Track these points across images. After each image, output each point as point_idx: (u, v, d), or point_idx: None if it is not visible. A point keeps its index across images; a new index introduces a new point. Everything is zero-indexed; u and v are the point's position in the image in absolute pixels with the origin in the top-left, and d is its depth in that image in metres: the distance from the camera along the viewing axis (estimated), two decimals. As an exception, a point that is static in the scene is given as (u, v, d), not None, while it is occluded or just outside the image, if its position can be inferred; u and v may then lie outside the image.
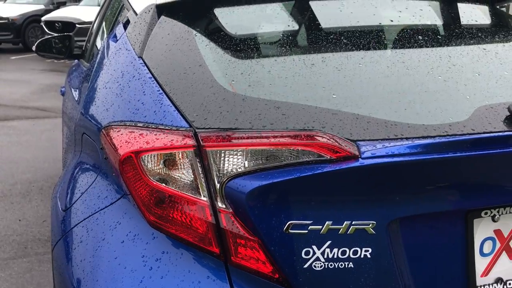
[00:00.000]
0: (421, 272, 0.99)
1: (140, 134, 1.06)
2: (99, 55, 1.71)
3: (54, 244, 1.30)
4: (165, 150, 0.99)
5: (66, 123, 2.18)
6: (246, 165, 0.95)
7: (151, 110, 1.14)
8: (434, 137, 0.96)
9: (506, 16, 1.63)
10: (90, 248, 1.12)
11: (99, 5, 11.04)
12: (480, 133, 0.99)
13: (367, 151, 0.91)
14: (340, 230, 0.92)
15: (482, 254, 1.04)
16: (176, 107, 1.10)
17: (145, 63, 1.30)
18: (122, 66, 1.39)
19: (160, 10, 1.45)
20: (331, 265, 0.93)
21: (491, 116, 1.04)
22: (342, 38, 1.29)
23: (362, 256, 0.94)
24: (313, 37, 1.32)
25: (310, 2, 1.41)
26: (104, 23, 2.37)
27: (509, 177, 1.01)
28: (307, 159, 0.92)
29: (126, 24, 1.63)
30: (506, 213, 1.05)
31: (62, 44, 2.90)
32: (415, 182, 0.96)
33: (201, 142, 0.96)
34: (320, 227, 0.92)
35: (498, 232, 1.05)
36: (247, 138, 0.95)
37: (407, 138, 0.96)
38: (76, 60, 3.13)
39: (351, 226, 0.93)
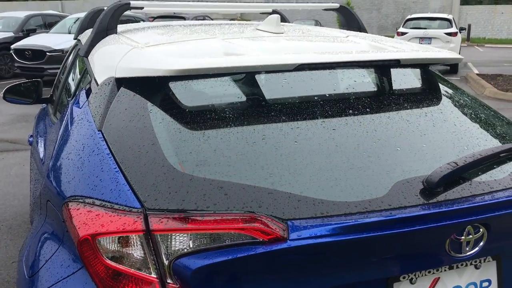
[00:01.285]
0: None
1: (96, 215, 1.17)
2: (64, 120, 1.81)
3: None
4: (118, 234, 1.11)
5: (34, 176, 2.26)
6: (191, 246, 1.07)
7: (108, 187, 1.25)
8: (354, 214, 1.11)
9: (437, 79, 1.80)
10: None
11: (69, 33, 11.06)
12: (396, 208, 1.14)
13: (294, 232, 1.05)
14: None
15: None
16: (130, 186, 1.21)
17: (104, 137, 1.41)
18: (83, 138, 1.50)
19: (119, 83, 1.57)
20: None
21: (407, 191, 1.19)
22: (281, 114, 1.44)
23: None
24: (255, 113, 1.46)
25: (257, 77, 1.55)
26: (70, 76, 2.47)
27: (422, 247, 1.16)
28: (243, 241, 1.05)
29: (88, 92, 1.74)
30: (422, 275, 1.20)
31: (30, 89, 2.99)
32: (339, 258, 1.10)
33: (150, 227, 1.09)
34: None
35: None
36: (192, 222, 1.08)
37: (331, 216, 1.10)
38: (44, 104, 3.22)
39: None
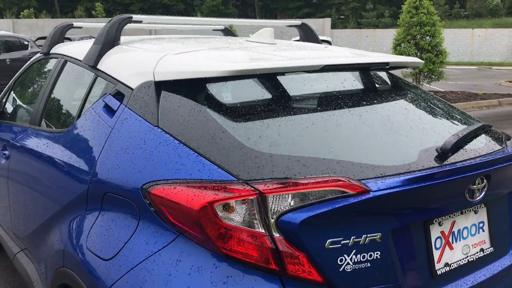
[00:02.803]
0: (406, 263, 1.47)
1: (200, 188, 1.39)
2: (91, 123, 1.95)
3: None
4: (234, 199, 1.34)
5: (37, 188, 2.29)
6: (292, 204, 1.34)
7: (195, 169, 1.47)
8: (403, 173, 1.47)
9: (398, 79, 2.25)
10: (159, 283, 1.40)
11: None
12: (427, 168, 1.52)
13: (372, 187, 1.37)
14: (361, 242, 1.37)
15: (435, 248, 1.56)
16: (217, 165, 1.45)
17: (165, 131, 1.62)
18: (140, 134, 1.68)
19: (159, 85, 1.77)
20: (356, 266, 1.37)
21: (429, 156, 1.58)
22: (320, 106, 1.76)
23: (374, 257, 1.39)
24: (297, 105, 1.77)
25: (286, 78, 1.86)
26: (58, 86, 2.53)
27: (444, 198, 1.56)
28: (336, 195, 1.35)
29: (117, 96, 1.90)
30: (446, 219, 1.59)
31: None
32: (399, 204, 1.45)
33: (260, 190, 1.34)
34: (348, 241, 1.36)
35: (442, 232, 1.59)
36: (291, 185, 1.35)
37: (388, 176, 1.44)
38: None
39: (367, 238, 1.38)
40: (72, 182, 1.92)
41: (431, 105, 2.05)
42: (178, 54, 1.93)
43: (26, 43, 14.27)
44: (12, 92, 3.32)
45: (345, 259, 1.36)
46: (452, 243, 1.61)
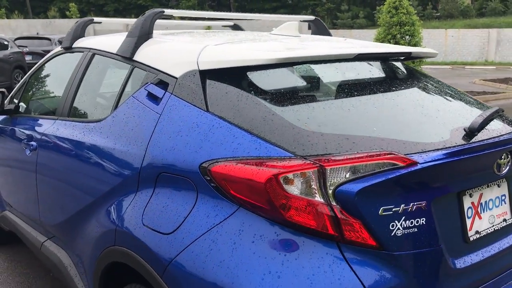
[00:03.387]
0: (444, 229, 1.63)
1: (262, 164, 1.53)
2: (135, 111, 2.05)
3: (168, 262, 1.64)
4: (297, 171, 1.48)
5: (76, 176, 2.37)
6: (348, 176, 1.49)
7: (251, 147, 1.61)
8: (441, 149, 1.63)
9: (414, 69, 2.43)
10: (225, 252, 1.53)
11: None
12: (461, 145, 1.68)
13: (419, 160, 1.53)
14: (409, 209, 1.53)
15: (467, 217, 1.73)
16: (272, 143, 1.59)
17: (217, 115, 1.75)
18: (191, 119, 1.81)
19: (203, 74, 1.90)
20: (405, 231, 1.52)
21: (460, 134, 1.75)
22: (357, 91, 1.92)
23: (420, 223, 1.54)
24: (335, 90, 1.92)
25: (320, 67, 2.01)
26: (88, 78, 2.62)
27: (475, 171, 1.73)
28: (387, 167, 1.50)
29: (161, 85, 2.02)
30: (475, 191, 1.76)
31: None
32: (440, 176, 1.61)
33: (321, 163, 1.48)
34: (399, 208, 1.51)
35: (472, 203, 1.76)
36: (347, 158, 1.50)
37: (428, 151, 1.60)
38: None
39: (414, 206, 1.53)
40: (119, 166, 2.03)
41: (448, 91, 2.23)
42: (219, 45, 2.06)
43: (6, 43, 14.10)
44: (26, 87, 3.39)
45: (396, 225, 1.51)
46: (481, 213, 1.78)
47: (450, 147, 1.65)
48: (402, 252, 1.52)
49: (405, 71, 2.31)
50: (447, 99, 2.13)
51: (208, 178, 1.64)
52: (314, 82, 1.95)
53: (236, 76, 1.88)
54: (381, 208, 1.49)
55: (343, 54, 1.95)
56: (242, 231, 1.55)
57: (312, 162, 1.49)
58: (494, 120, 1.96)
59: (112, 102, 2.33)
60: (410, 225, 1.53)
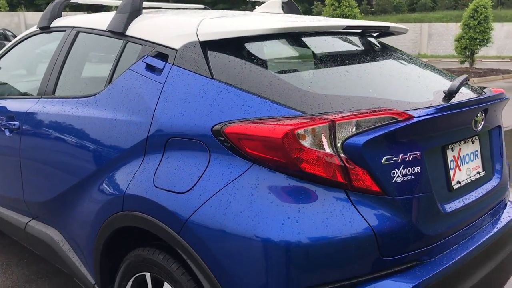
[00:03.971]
0: (434, 177, 1.83)
1: (277, 122, 1.66)
2: (135, 82, 2.12)
3: (186, 219, 1.74)
4: (310, 127, 1.63)
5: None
6: (355, 130, 1.66)
7: (262, 109, 1.74)
8: (429, 107, 1.83)
9: (387, 44, 2.65)
10: (244, 203, 1.66)
11: None
12: (442, 105, 1.89)
13: (414, 114, 1.72)
14: (406, 158, 1.71)
15: (450, 168, 1.95)
16: (281, 104, 1.73)
17: (223, 82, 1.87)
18: (197, 86, 1.92)
19: (204, 45, 2.02)
20: (404, 178, 1.71)
21: (441, 96, 1.96)
22: (348, 60, 2.09)
23: (415, 171, 1.74)
24: (329, 59, 2.09)
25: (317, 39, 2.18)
26: (72, 60, 2.65)
27: (457, 125, 1.95)
28: (388, 121, 1.68)
29: (160, 57, 2.11)
30: (456, 145, 1.98)
31: None
32: (430, 130, 1.81)
33: (332, 119, 1.63)
34: (398, 158, 1.69)
35: (454, 156, 1.98)
36: (353, 114, 1.66)
37: (418, 108, 1.80)
38: None
39: (411, 155, 1.72)
40: (122, 136, 2.09)
41: (420, 62, 2.45)
42: (214, 19, 2.17)
43: None
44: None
45: (396, 173, 1.70)
46: (460, 165, 2.00)
47: (436, 105, 1.86)
48: (401, 197, 1.70)
49: (380, 45, 2.52)
50: (422, 68, 2.35)
51: (222, 139, 1.75)
52: (309, 51, 2.11)
53: (237, 46, 2.01)
54: (384, 158, 1.67)
55: (336, 25, 2.13)
56: (258, 184, 1.68)
57: (323, 118, 1.64)
58: (465, 86, 2.20)
59: (104, 77, 2.38)
60: (407, 173, 1.72)
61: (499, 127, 2.31)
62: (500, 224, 2.17)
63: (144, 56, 2.18)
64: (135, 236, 2.17)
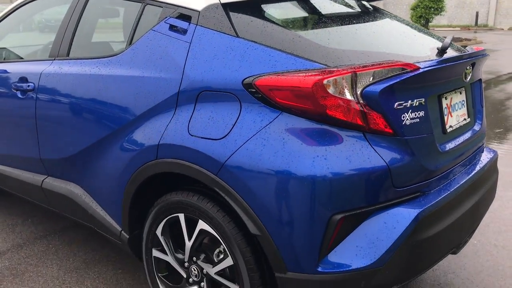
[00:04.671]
0: (433, 121, 2.13)
1: (306, 73, 1.90)
2: (160, 41, 2.30)
3: (224, 161, 1.97)
4: (335, 77, 1.88)
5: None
6: (372, 79, 1.92)
7: (288, 63, 1.97)
8: (432, 60, 2.11)
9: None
10: (277, 145, 1.90)
11: None
12: (442, 58, 2.18)
13: (420, 66, 2.00)
14: (413, 104, 2.00)
15: (444, 114, 2.25)
16: (305, 59, 1.97)
17: (249, 40, 2.09)
18: (224, 44, 2.13)
19: (225, 6, 2.22)
20: (412, 121, 1.99)
21: (435, 51, 2.25)
22: (354, 20, 2.34)
23: (420, 115, 2.03)
24: (337, 19, 2.33)
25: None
26: (86, 23, 2.78)
27: (451, 76, 2.25)
28: (399, 72, 1.95)
29: (182, 19, 2.29)
30: (448, 95, 2.29)
31: None
32: (430, 80, 2.10)
33: (354, 70, 1.89)
34: (407, 103, 1.97)
35: (447, 104, 2.28)
36: (371, 66, 1.92)
37: (420, 61, 2.08)
38: None
39: (417, 101, 2.01)
40: (151, 91, 2.28)
41: (410, 23, 2.74)
42: None
43: None
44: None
45: (405, 116, 1.98)
46: (451, 112, 2.31)
47: (437, 59, 2.15)
48: (409, 137, 1.99)
49: (373, 7, 2.78)
50: (414, 28, 2.64)
51: (253, 90, 1.98)
52: (321, 11, 2.35)
53: (256, 7, 2.23)
54: (396, 103, 1.95)
55: None
56: (288, 129, 1.93)
57: (346, 70, 1.90)
58: (452, 44, 2.51)
59: (123, 38, 2.54)
60: (414, 117, 2.01)
61: (480, 80, 2.64)
62: (480, 165, 2.51)
63: (166, 17, 2.36)
64: (162, 183, 2.39)
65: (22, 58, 3.50)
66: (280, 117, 1.95)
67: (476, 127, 2.57)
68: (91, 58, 2.64)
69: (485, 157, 2.63)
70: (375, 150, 1.92)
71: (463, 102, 2.44)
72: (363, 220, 1.93)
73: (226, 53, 2.11)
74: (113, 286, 2.86)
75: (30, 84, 2.88)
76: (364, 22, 2.38)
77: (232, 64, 2.07)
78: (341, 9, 2.48)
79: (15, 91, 2.99)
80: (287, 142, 1.90)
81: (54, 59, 2.85)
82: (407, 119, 1.99)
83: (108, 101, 2.48)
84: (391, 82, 1.92)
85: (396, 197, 1.98)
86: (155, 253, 2.44)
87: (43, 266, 3.09)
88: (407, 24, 2.66)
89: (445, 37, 2.40)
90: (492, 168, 2.61)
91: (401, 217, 1.94)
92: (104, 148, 2.53)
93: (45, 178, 3.00)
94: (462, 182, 2.27)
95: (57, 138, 2.81)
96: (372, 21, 2.43)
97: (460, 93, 2.42)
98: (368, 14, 2.56)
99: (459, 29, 25.53)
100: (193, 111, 2.15)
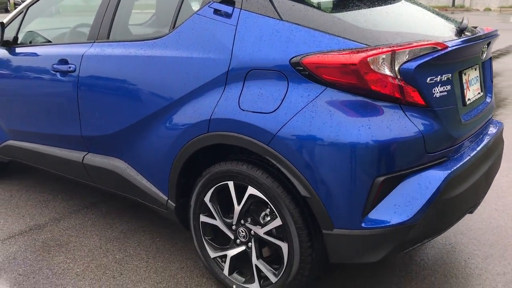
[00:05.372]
0: (456, 94, 2.40)
1: (351, 51, 2.14)
2: (205, 25, 2.51)
3: (275, 132, 2.20)
4: (377, 55, 2.12)
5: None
6: (408, 57, 2.17)
7: (332, 43, 2.21)
8: (456, 39, 2.37)
9: None
10: (325, 117, 2.14)
11: None
12: (466, 37, 2.45)
13: (448, 45, 2.26)
14: (442, 79, 2.26)
15: (464, 88, 2.52)
16: (347, 39, 2.21)
17: (292, 22, 2.31)
18: (269, 27, 2.35)
19: None
20: (441, 94, 2.26)
21: (455, 32, 2.51)
22: (377, 3, 2.59)
23: (448, 89, 2.29)
24: (370, 4, 2.57)
25: None
26: (124, 8, 2.96)
27: (471, 55, 2.51)
28: (431, 50, 2.20)
29: (227, 3, 2.50)
30: (467, 71, 2.56)
31: None
32: (455, 57, 2.36)
33: (393, 48, 2.13)
34: (437, 78, 2.24)
35: (466, 80, 2.55)
36: (407, 45, 2.17)
37: (447, 41, 2.33)
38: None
39: (445, 77, 2.27)
40: (201, 70, 2.49)
41: (427, 7, 2.99)
42: None
43: None
44: (26, 17, 3.55)
45: (436, 90, 2.24)
46: (469, 86, 2.59)
47: (462, 38, 2.41)
48: (438, 108, 2.25)
49: None
50: (432, 11, 2.89)
51: (301, 68, 2.21)
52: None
53: None
54: (428, 78, 2.21)
55: None
56: (334, 103, 2.17)
57: (386, 48, 2.14)
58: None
59: (166, 22, 2.73)
60: (443, 90, 2.27)
61: (491, 58, 2.92)
62: (491, 134, 2.80)
63: (209, 2, 2.56)
64: (206, 156, 2.62)
65: (49, 41, 3.65)
66: (325, 92, 2.19)
67: (488, 100, 2.86)
68: (134, 41, 2.83)
69: (494, 128, 2.92)
70: (410, 120, 2.18)
71: (477, 77, 2.72)
72: (400, 181, 2.20)
73: (272, 35, 2.33)
74: (154, 253, 3.09)
75: (72, 65, 3.06)
76: (389, 4, 2.62)
77: (279, 45, 2.29)
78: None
79: (54, 72, 3.16)
80: (334, 114, 2.15)
81: (94, 42, 3.02)
82: (437, 92, 2.25)
83: (155, 81, 2.68)
84: (425, 60, 2.17)
85: (428, 161, 2.25)
86: (203, 218, 2.67)
87: (84, 237, 3.30)
88: (426, 8, 2.91)
89: (462, 19, 2.67)
90: (499, 138, 2.90)
91: (433, 178, 2.22)
92: (150, 125, 2.74)
93: (85, 154, 3.20)
94: (478, 149, 2.55)
95: (101, 116, 2.99)
96: (395, 3, 2.68)
97: (475, 70, 2.69)
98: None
99: (436, 10, 26.24)
100: (242, 88, 2.37)
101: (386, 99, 2.17)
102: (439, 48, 2.22)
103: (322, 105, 2.18)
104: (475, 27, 2.96)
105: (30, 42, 3.60)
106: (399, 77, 2.15)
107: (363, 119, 2.13)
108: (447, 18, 2.85)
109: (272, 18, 2.36)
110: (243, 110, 2.33)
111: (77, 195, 4.00)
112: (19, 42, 3.61)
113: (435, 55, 2.19)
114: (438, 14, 2.90)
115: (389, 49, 2.13)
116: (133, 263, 2.98)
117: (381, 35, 2.25)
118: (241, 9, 2.45)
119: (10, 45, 3.59)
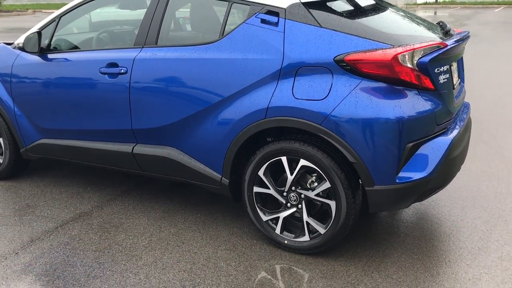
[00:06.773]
0: (450, 80, 3.19)
1: (381, 52, 2.84)
2: (255, 31, 3.11)
3: (327, 115, 2.86)
4: (403, 53, 2.84)
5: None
6: (422, 53, 2.91)
7: (366, 44, 2.92)
8: (452, 40, 3.16)
9: None
10: (366, 101, 2.84)
11: None
12: (458, 37, 3.25)
13: (448, 43, 3.03)
14: (445, 69, 3.04)
15: (453, 76, 3.33)
16: (376, 41, 2.92)
17: (330, 29, 3.00)
18: (312, 33, 3.02)
19: (304, 5, 3.10)
20: (444, 80, 3.04)
21: (438, 32, 3.31)
22: (380, 10, 3.32)
23: (447, 76, 3.08)
24: (377, 12, 3.29)
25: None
26: (170, 16, 3.48)
27: (458, 51, 3.32)
28: (437, 48, 2.96)
29: (271, 14, 3.13)
30: (453, 63, 3.36)
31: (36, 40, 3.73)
32: (449, 53, 3.14)
33: (415, 47, 2.86)
34: (442, 68, 3.01)
35: (452, 70, 3.35)
36: (421, 45, 2.91)
37: (445, 41, 3.11)
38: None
39: (445, 67, 3.06)
40: (256, 69, 3.08)
41: (413, 14, 3.78)
42: None
43: None
44: (59, 25, 3.94)
45: (441, 77, 3.02)
46: (453, 75, 3.40)
47: (456, 39, 3.21)
48: (443, 91, 3.03)
49: (382, 2, 3.79)
50: (418, 18, 3.69)
51: (344, 64, 2.89)
52: (366, 7, 3.31)
53: (323, 4, 3.12)
54: (435, 69, 2.97)
55: None
56: (370, 89, 2.87)
57: (409, 47, 2.87)
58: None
59: (214, 29, 3.31)
60: (444, 78, 3.05)
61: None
62: (467, 112, 3.65)
63: (256, 13, 3.17)
64: (257, 139, 3.23)
65: (78, 48, 4.06)
66: (363, 82, 2.89)
67: (462, 84, 3.71)
68: (186, 45, 3.36)
69: (466, 107, 3.78)
70: (425, 101, 2.94)
71: (457, 68, 3.55)
72: (420, 146, 2.95)
73: (316, 39, 2.99)
74: (202, 226, 3.63)
75: (123, 68, 3.52)
76: (392, 14, 3.38)
77: (323, 46, 2.96)
78: (375, 5, 3.46)
79: (102, 74, 3.60)
80: (372, 98, 2.85)
81: (143, 47, 3.51)
82: (441, 79, 3.02)
83: (211, 78, 3.24)
84: (434, 55, 2.94)
85: (437, 131, 3.02)
86: (256, 189, 3.27)
87: (133, 218, 3.77)
88: (413, 15, 3.71)
89: (441, 22, 3.48)
90: (469, 114, 3.77)
91: (442, 143, 2.99)
92: (206, 116, 3.29)
93: (134, 146, 3.66)
94: (462, 123, 3.38)
95: (154, 111, 3.48)
96: (395, 13, 3.44)
97: (456, 62, 3.51)
98: (386, 7, 3.56)
99: (416, 6, 28.83)
100: (294, 81, 3.01)
101: (408, 86, 2.90)
102: (443, 46, 2.99)
103: (362, 92, 2.87)
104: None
105: (61, 48, 3.98)
106: (417, 69, 2.90)
107: (395, 101, 2.86)
108: (429, 23, 3.66)
109: (313, 25, 3.02)
110: (297, 99, 2.97)
111: (104, 186, 4.41)
112: (51, 48, 3.98)
113: (440, 52, 2.96)
114: (422, 20, 3.70)
115: (410, 48, 2.87)
116: (188, 234, 3.51)
117: (400, 37, 2.99)
118: (285, 18, 3.09)
119: (45, 52, 3.95)
